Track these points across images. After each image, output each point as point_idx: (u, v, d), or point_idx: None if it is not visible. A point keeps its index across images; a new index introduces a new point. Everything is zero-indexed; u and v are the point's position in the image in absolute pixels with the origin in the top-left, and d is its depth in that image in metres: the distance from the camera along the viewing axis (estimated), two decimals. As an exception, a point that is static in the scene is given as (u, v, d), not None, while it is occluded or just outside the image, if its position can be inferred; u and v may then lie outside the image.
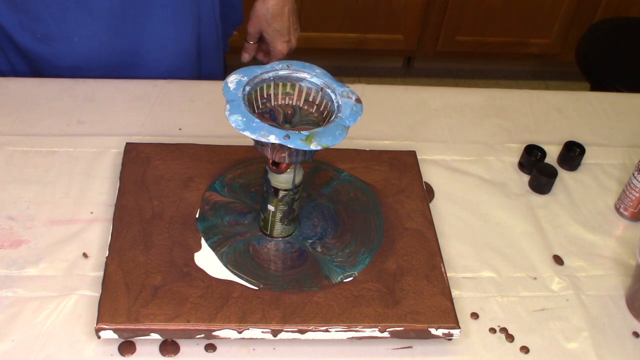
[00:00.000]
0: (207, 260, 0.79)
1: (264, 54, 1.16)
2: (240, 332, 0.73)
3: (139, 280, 0.76)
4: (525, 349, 0.79)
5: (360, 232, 0.84)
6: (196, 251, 0.80)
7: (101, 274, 0.77)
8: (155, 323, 0.72)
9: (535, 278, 0.86)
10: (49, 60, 1.03)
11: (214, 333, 0.73)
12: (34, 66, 1.05)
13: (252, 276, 0.78)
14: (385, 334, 0.76)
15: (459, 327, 0.76)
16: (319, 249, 0.82)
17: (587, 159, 1.02)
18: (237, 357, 0.75)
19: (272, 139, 0.66)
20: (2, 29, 1.01)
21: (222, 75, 1.18)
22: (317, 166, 0.91)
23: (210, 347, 0.75)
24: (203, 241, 0.81)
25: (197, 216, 0.83)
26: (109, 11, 0.99)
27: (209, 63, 1.15)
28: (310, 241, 0.82)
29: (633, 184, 0.92)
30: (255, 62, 1.16)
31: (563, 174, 1.00)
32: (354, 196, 0.88)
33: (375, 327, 0.75)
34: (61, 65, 1.03)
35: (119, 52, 1.04)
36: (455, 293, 0.82)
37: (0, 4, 0.98)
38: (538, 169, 0.96)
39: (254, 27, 1.10)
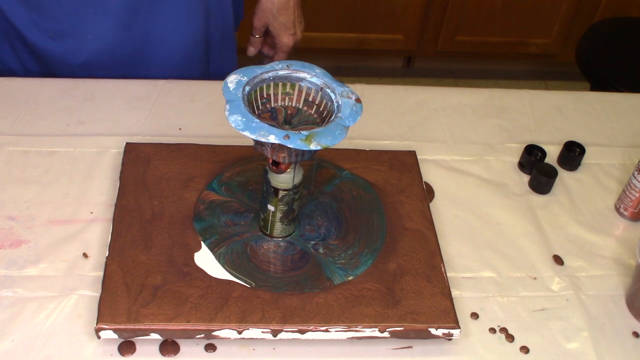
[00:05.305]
0: (207, 260, 0.79)
1: (269, 47, 1.16)
2: (240, 332, 0.73)
3: (139, 280, 0.76)
4: (525, 349, 0.79)
5: (363, 233, 0.84)
6: (196, 251, 0.80)
7: (101, 274, 0.77)
8: (155, 323, 0.72)
9: (535, 278, 0.86)
10: (61, 58, 1.03)
11: (214, 333, 0.73)
12: (45, 65, 1.05)
13: (250, 278, 0.78)
14: (385, 334, 0.76)
15: (459, 327, 0.76)
16: (321, 251, 0.82)
17: (587, 159, 1.02)
18: (237, 357, 0.75)
19: (272, 139, 0.66)
20: (14, 27, 1.01)
21: (234, 69, 1.19)
22: (318, 164, 0.91)
23: (210, 347, 0.75)
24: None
25: (193, 216, 0.83)
26: (124, 6, 0.99)
27: (218, 57, 1.15)
28: (312, 242, 0.82)
29: (633, 184, 0.92)
30: (260, 55, 1.16)
31: (563, 174, 1.00)
32: (357, 195, 0.88)
33: (375, 327, 0.75)
34: (73, 63, 1.04)
35: (130, 48, 1.04)
36: (455, 293, 0.82)
37: (14, 3, 0.98)
38: (538, 169, 0.96)
39: (260, 21, 1.11)
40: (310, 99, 0.75)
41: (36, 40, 1.01)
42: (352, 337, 0.75)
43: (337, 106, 0.72)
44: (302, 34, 1.14)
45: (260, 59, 1.18)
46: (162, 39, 1.05)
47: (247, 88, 0.72)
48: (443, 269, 0.81)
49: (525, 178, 0.99)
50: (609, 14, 2.27)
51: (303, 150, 0.70)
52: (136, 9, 1.00)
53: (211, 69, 1.15)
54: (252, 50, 1.15)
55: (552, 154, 1.02)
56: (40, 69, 1.06)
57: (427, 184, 0.95)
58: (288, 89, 0.75)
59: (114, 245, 0.79)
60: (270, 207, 0.79)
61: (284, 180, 0.76)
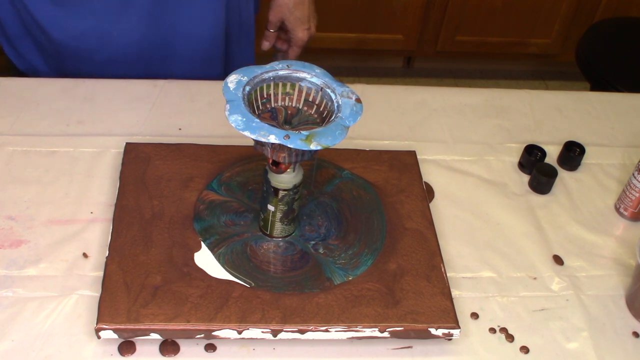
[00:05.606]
0: (207, 260, 0.79)
1: (283, 42, 1.16)
2: (240, 332, 0.73)
3: (139, 280, 0.76)
4: (525, 349, 0.79)
5: (363, 233, 0.84)
6: (196, 251, 0.80)
7: (101, 274, 0.77)
8: (155, 323, 0.72)
9: (535, 278, 0.86)
10: (87, 54, 1.04)
11: (214, 333, 0.73)
12: (70, 62, 1.05)
13: (250, 278, 0.78)
14: (385, 334, 0.76)
15: (459, 327, 0.76)
16: (321, 251, 0.82)
17: (587, 159, 1.02)
18: (237, 357, 0.75)
19: (272, 139, 0.66)
20: (39, 25, 1.01)
21: (252, 62, 1.19)
22: (318, 164, 0.91)
23: (210, 347, 0.75)
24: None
25: (193, 216, 0.83)
26: (149, 2, 1.00)
27: (237, 51, 1.16)
28: (312, 242, 0.82)
29: (633, 184, 0.92)
30: (274, 50, 1.17)
31: (563, 174, 1.00)
32: (357, 195, 0.88)
33: (375, 327, 0.75)
34: (98, 59, 1.04)
35: (156, 43, 1.05)
36: (455, 293, 0.82)
37: (41, 2, 0.98)
38: (538, 169, 0.96)
39: (276, 16, 1.11)
40: (310, 99, 0.75)
41: (62, 38, 1.02)
42: (352, 337, 0.75)
43: (337, 106, 0.72)
44: (315, 28, 1.15)
45: (274, 54, 1.18)
46: (186, 33, 1.06)
47: (247, 88, 0.72)
48: (443, 269, 0.81)
49: (525, 178, 0.99)
50: (609, 14, 2.27)
51: (303, 150, 0.70)
52: (161, 2, 1.01)
53: (230, 63, 1.16)
54: (266, 45, 1.16)
55: (552, 154, 1.02)
56: (64, 66, 1.07)
57: (427, 184, 0.95)
58: (288, 89, 0.75)
59: (114, 245, 0.79)
60: (270, 207, 0.79)
61: (284, 180, 0.76)
